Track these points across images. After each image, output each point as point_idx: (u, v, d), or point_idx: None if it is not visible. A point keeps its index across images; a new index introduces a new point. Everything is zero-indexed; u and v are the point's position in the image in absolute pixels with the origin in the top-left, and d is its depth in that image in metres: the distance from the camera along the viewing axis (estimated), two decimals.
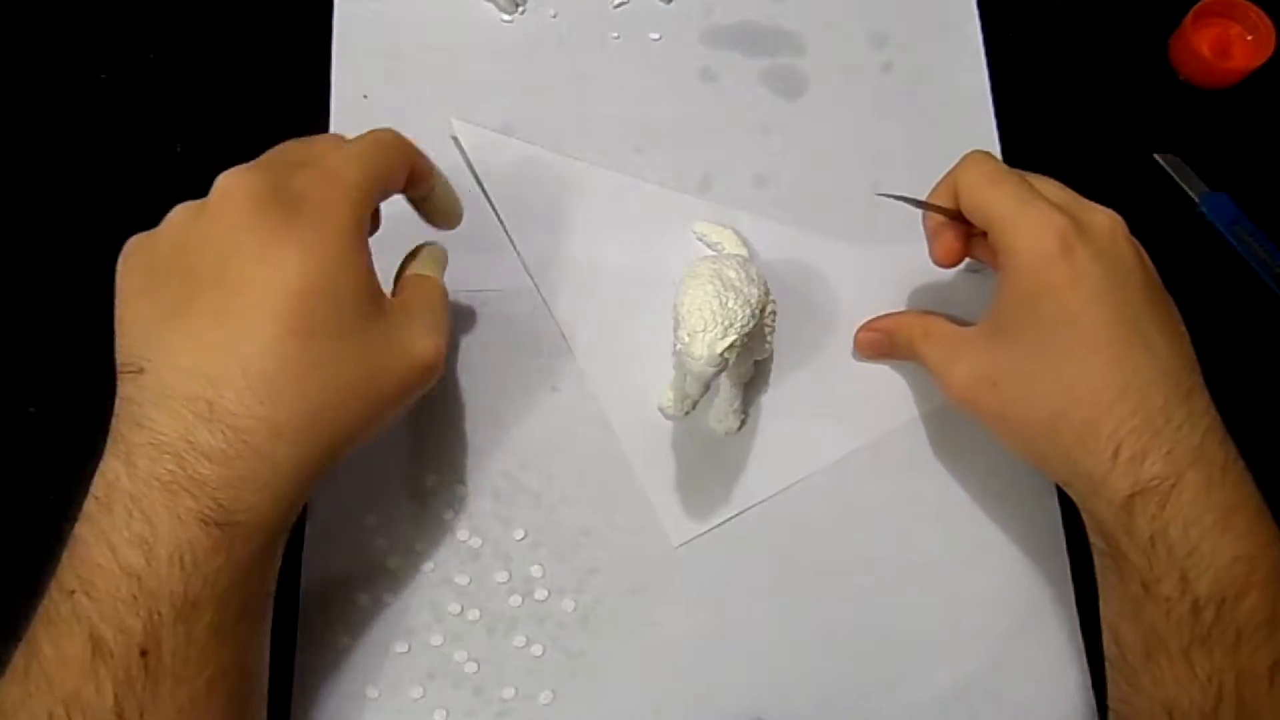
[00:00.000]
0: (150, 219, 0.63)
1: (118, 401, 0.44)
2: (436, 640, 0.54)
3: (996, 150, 0.65)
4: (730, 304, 0.50)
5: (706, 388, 0.51)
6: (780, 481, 0.58)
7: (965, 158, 0.53)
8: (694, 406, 0.57)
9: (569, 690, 0.54)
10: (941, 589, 0.56)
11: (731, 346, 0.50)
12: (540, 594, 0.55)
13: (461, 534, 0.56)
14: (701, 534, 0.57)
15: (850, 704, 0.54)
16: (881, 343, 0.59)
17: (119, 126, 0.65)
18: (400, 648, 0.54)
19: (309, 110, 0.65)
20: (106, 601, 0.40)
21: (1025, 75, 0.67)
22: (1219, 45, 0.67)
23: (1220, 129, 0.66)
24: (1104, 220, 0.50)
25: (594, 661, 0.54)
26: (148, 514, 0.41)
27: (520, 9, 0.68)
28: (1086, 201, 0.51)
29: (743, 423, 0.59)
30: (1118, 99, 0.67)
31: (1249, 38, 0.67)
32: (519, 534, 0.56)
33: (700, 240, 0.62)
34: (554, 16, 0.68)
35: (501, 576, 0.55)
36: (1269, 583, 0.44)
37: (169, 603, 0.40)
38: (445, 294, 0.52)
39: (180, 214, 0.47)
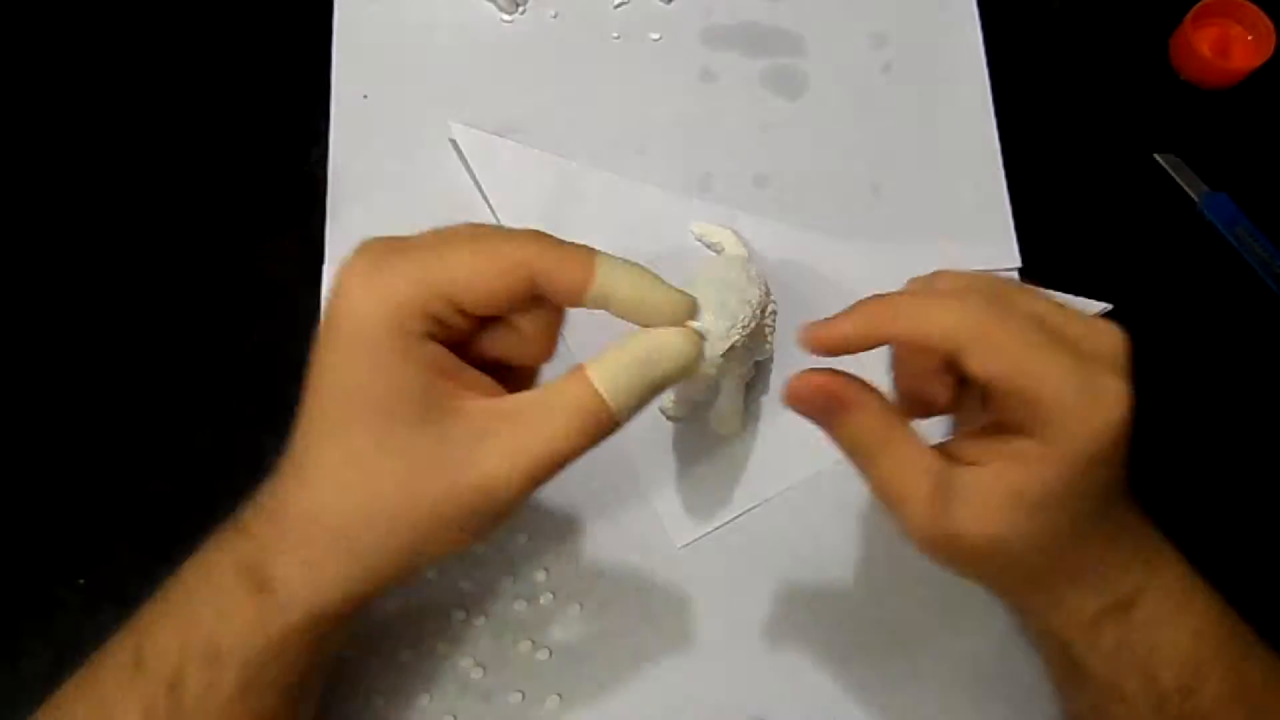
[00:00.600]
0: (150, 219, 0.63)
1: None
2: (442, 647, 0.54)
3: (997, 150, 0.65)
4: (731, 304, 0.50)
5: (708, 389, 0.51)
6: (782, 482, 0.58)
7: (919, 306, 0.41)
8: (695, 408, 0.57)
9: (576, 694, 0.54)
10: (942, 587, 0.56)
11: (733, 348, 0.50)
12: (545, 598, 0.55)
13: None
14: (704, 535, 0.57)
15: (852, 703, 0.55)
16: (821, 409, 0.43)
17: (119, 126, 0.65)
18: (406, 655, 0.54)
19: (309, 110, 0.65)
20: (159, 612, 0.41)
21: (1025, 75, 0.67)
22: (1219, 45, 0.67)
23: (1220, 129, 0.66)
24: (1129, 355, 0.40)
25: (600, 665, 0.54)
26: (220, 544, 0.41)
27: (520, 9, 0.68)
28: (1102, 324, 0.41)
29: (744, 423, 0.59)
30: (1118, 99, 0.67)
31: (1249, 38, 0.67)
32: (523, 539, 0.56)
33: (700, 240, 0.62)
34: (554, 16, 0.68)
35: (506, 581, 0.55)
36: (1226, 650, 0.43)
37: (200, 644, 0.40)
38: (589, 407, 0.39)
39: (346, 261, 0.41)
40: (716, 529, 0.57)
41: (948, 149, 0.66)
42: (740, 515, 0.58)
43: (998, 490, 0.39)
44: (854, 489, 0.57)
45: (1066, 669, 0.45)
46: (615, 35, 0.68)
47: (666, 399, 0.58)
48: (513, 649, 0.54)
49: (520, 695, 0.53)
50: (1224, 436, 0.60)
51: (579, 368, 0.39)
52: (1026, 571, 0.42)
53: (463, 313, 0.38)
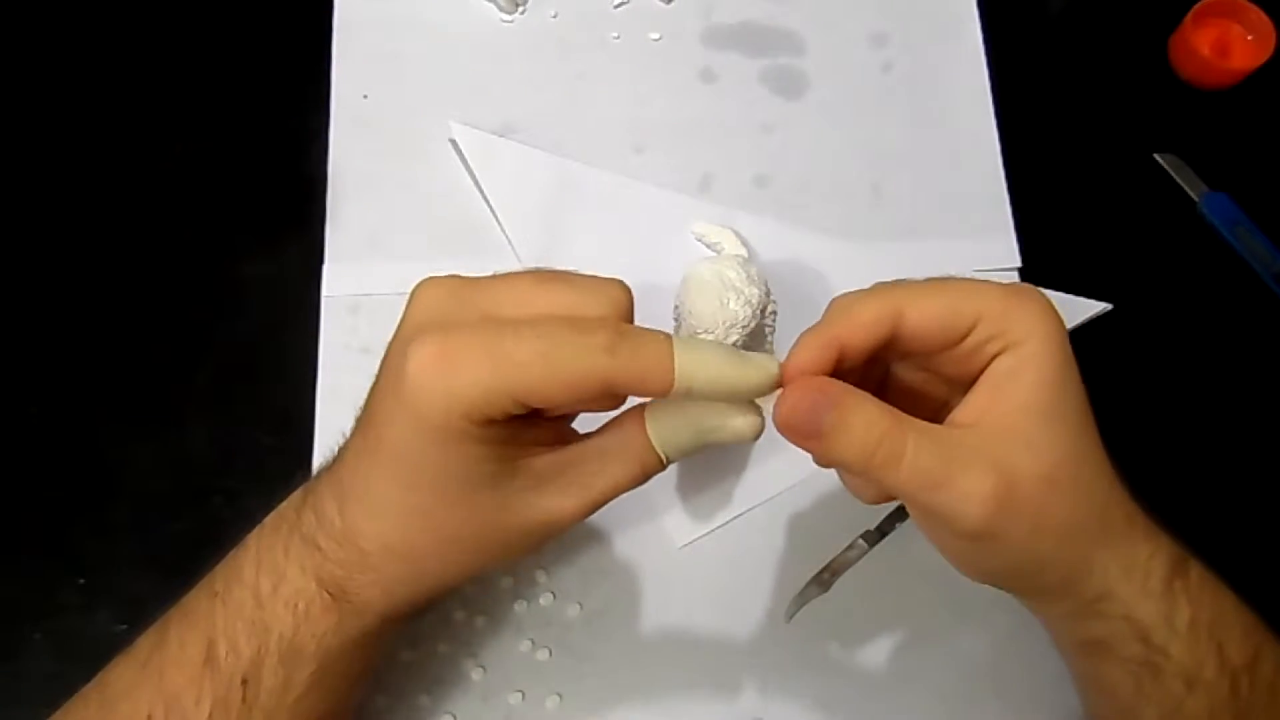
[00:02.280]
0: (150, 219, 0.63)
1: None
2: (443, 647, 0.54)
3: (997, 150, 0.65)
4: (731, 305, 0.50)
5: None
6: (782, 482, 0.58)
7: (840, 304, 0.41)
8: None
9: (576, 694, 0.54)
10: (943, 586, 0.56)
11: (741, 346, 0.50)
12: (545, 598, 0.55)
13: None
14: (704, 535, 0.57)
15: (853, 703, 0.55)
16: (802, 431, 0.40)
17: (119, 126, 0.65)
18: (407, 655, 0.54)
19: (309, 110, 0.65)
20: (232, 614, 0.41)
21: (1025, 75, 0.67)
22: (1219, 45, 0.67)
23: (1220, 129, 0.66)
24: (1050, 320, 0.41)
25: (600, 664, 0.54)
26: (289, 552, 0.42)
27: (520, 9, 0.68)
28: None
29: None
30: (1118, 99, 0.67)
31: (1249, 38, 0.67)
32: None
33: (700, 241, 0.62)
34: (554, 16, 0.68)
35: (506, 582, 0.55)
36: (1261, 622, 0.43)
37: (277, 642, 0.41)
38: (646, 461, 0.41)
39: (417, 286, 0.41)
40: (716, 529, 0.57)
41: (948, 149, 0.66)
42: (740, 515, 0.58)
43: (1008, 415, 0.39)
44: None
45: (1148, 671, 0.42)
46: (615, 35, 0.68)
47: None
48: (512, 649, 0.54)
49: (520, 695, 0.53)
50: (1224, 436, 0.60)
51: (637, 417, 0.41)
52: (1088, 514, 0.40)
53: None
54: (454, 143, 0.63)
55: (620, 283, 0.40)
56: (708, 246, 0.62)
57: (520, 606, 0.55)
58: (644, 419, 0.41)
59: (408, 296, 0.41)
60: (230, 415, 0.59)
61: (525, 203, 0.62)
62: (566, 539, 0.56)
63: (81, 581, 0.56)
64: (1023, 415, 0.39)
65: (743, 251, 0.61)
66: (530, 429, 0.41)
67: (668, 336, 0.38)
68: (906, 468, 0.38)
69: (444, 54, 0.67)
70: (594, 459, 0.41)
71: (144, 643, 0.43)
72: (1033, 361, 0.39)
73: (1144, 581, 0.41)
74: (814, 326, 0.41)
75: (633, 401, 0.41)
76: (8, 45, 0.66)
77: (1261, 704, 0.42)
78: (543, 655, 0.54)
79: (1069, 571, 0.41)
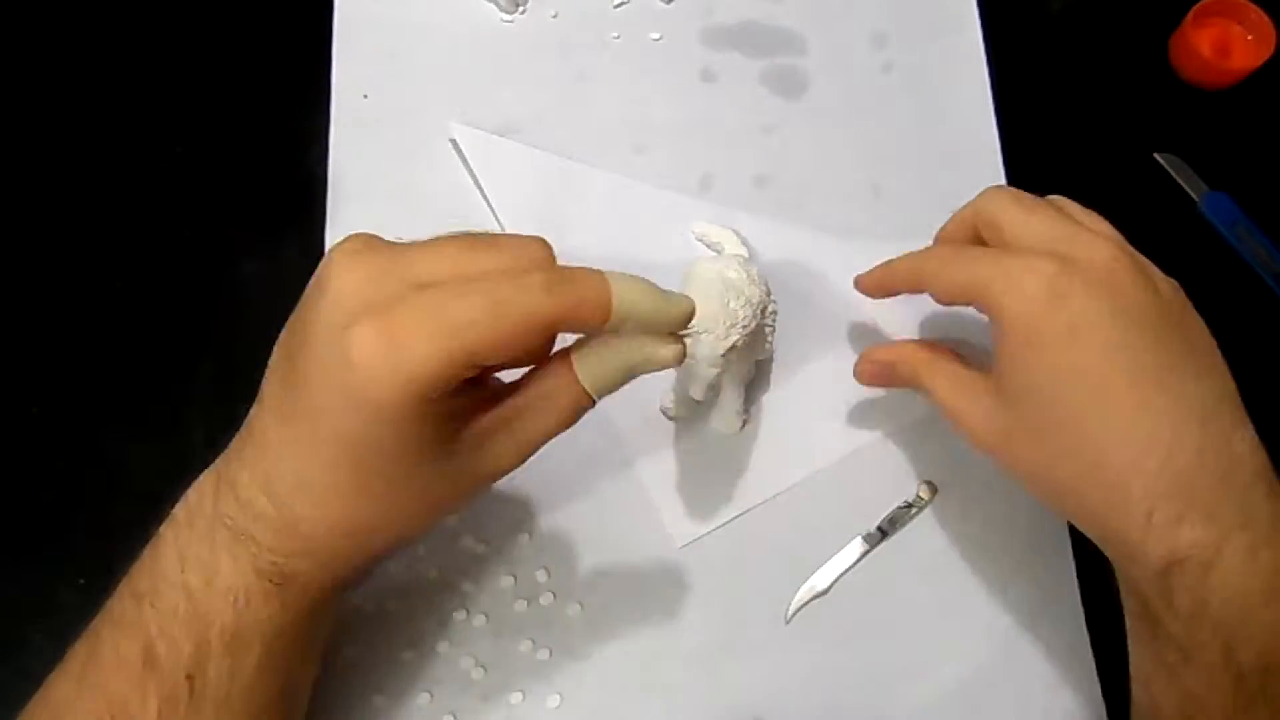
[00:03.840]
0: (150, 219, 0.63)
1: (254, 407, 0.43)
2: (443, 646, 0.54)
3: (997, 150, 0.65)
4: (732, 305, 0.50)
5: (710, 389, 0.51)
6: (783, 481, 0.58)
7: (912, 258, 0.52)
8: (695, 407, 0.57)
9: (576, 694, 0.54)
10: (945, 586, 0.57)
11: (733, 347, 0.50)
12: (546, 598, 0.55)
13: (466, 540, 0.56)
14: (704, 535, 0.57)
15: (853, 704, 0.55)
16: (882, 375, 0.55)
17: (119, 126, 0.65)
18: (407, 654, 0.54)
19: (309, 110, 0.65)
20: (166, 614, 0.41)
21: (1025, 75, 0.67)
22: (1219, 45, 0.67)
23: (1220, 129, 0.66)
24: (1101, 254, 0.45)
25: (601, 665, 0.54)
26: (214, 546, 0.41)
27: (520, 9, 0.68)
28: (1085, 231, 0.46)
29: (745, 423, 0.59)
30: (1118, 99, 0.67)
31: (1249, 38, 0.67)
32: (524, 539, 0.56)
33: (700, 241, 0.62)
34: (554, 16, 0.68)
35: (507, 581, 0.55)
36: None
37: (219, 634, 0.41)
38: (578, 404, 0.43)
39: (331, 263, 0.39)
40: (716, 529, 0.57)
41: (948, 149, 0.66)
42: (740, 515, 0.58)
43: (989, 381, 0.48)
44: (855, 489, 0.58)
45: (1146, 622, 0.44)
46: (615, 35, 0.68)
47: (668, 399, 0.58)
48: (513, 649, 0.54)
49: (520, 695, 0.53)
50: None
51: (564, 362, 0.42)
52: (1048, 474, 0.46)
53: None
54: (454, 143, 0.63)
55: (542, 240, 0.41)
56: (708, 246, 0.62)
57: (520, 606, 0.55)
58: (570, 362, 0.42)
59: (322, 270, 0.39)
60: (230, 415, 0.59)
61: (525, 202, 0.62)
62: (567, 539, 0.56)
63: (81, 581, 0.55)
64: (988, 377, 0.48)
65: (743, 251, 0.61)
66: (469, 393, 0.41)
67: (599, 273, 0.39)
68: (936, 399, 0.51)
69: (444, 54, 0.67)
70: (529, 410, 0.42)
71: (76, 656, 0.42)
72: (1002, 339, 0.46)
73: (1133, 556, 0.43)
74: (879, 267, 0.54)
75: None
76: (8, 45, 0.66)
77: (1275, 707, 0.41)
78: (543, 655, 0.54)
79: (1066, 517, 0.50)
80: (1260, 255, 0.63)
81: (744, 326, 0.50)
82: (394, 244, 0.40)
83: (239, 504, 0.41)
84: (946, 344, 0.54)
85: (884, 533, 0.57)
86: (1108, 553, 0.46)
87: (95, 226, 0.63)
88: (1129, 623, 0.46)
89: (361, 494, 0.40)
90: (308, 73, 0.66)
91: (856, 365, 0.56)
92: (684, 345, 0.43)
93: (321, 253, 0.61)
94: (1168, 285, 0.47)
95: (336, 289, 0.38)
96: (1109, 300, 0.43)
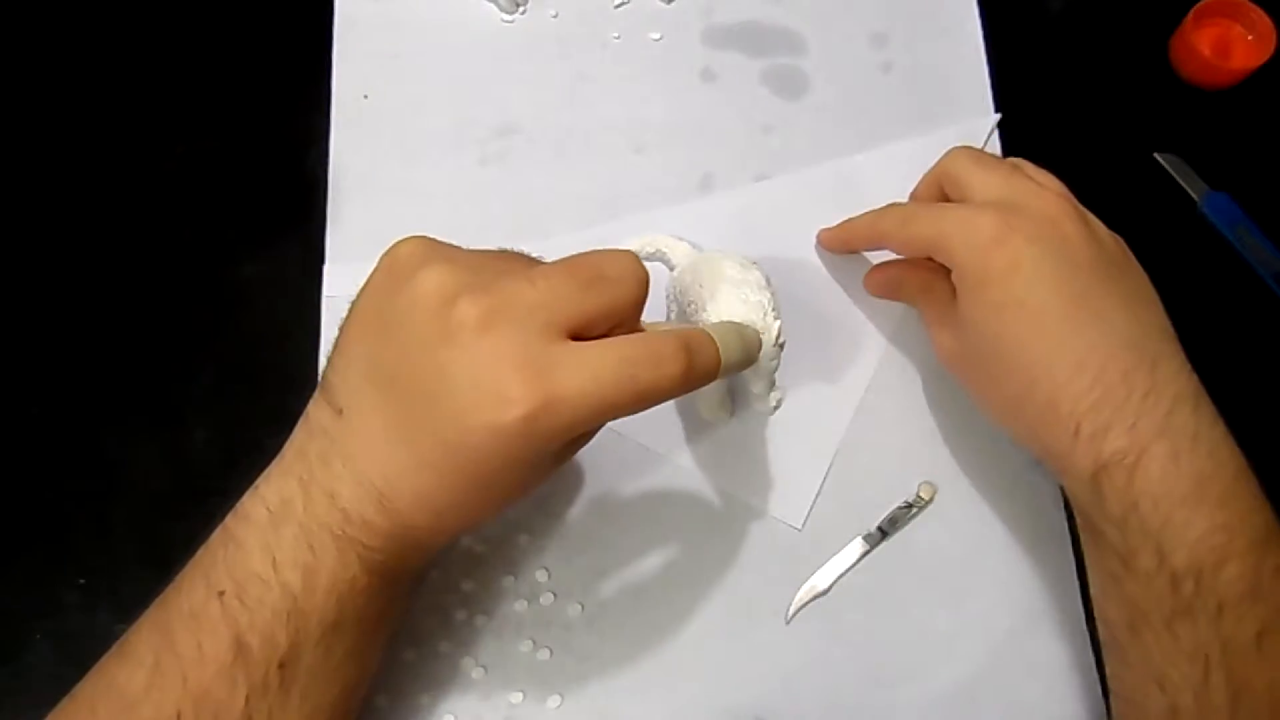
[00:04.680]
0: (151, 219, 0.63)
1: (310, 414, 0.44)
2: (443, 647, 0.54)
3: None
4: (753, 297, 0.50)
5: (772, 381, 0.51)
6: (843, 421, 0.59)
7: (870, 216, 0.57)
8: (729, 405, 0.57)
9: (577, 694, 0.54)
10: (945, 587, 0.57)
11: (781, 329, 0.49)
12: (546, 598, 0.55)
13: (466, 540, 0.56)
14: (812, 505, 0.58)
15: (853, 704, 0.55)
16: (891, 284, 0.59)
17: (119, 126, 0.65)
18: (408, 655, 0.54)
19: (309, 110, 0.65)
20: (259, 611, 0.41)
21: (1025, 75, 0.67)
22: (1219, 45, 0.67)
23: (1220, 129, 0.66)
24: (1043, 203, 0.50)
25: (602, 665, 0.54)
26: (315, 549, 0.42)
27: (520, 9, 0.68)
28: (1033, 186, 0.51)
29: (780, 400, 0.59)
30: (1118, 99, 0.67)
31: (1249, 38, 0.67)
32: (524, 539, 0.56)
33: (646, 261, 0.61)
34: (554, 16, 0.68)
35: (507, 581, 0.55)
36: (1249, 551, 0.44)
37: (318, 625, 0.42)
38: (710, 353, 0.44)
39: (432, 278, 0.41)
40: (816, 495, 0.58)
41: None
42: (828, 473, 0.58)
43: (953, 309, 0.52)
44: (856, 490, 0.58)
45: (1089, 534, 0.49)
46: (615, 35, 0.68)
47: (705, 407, 0.58)
48: (513, 649, 0.54)
49: (520, 695, 0.53)
50: None
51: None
52: (996, 390, 0.51)
53: None
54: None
55: (636, 259, 0.43)
56: (648, 260, 0.60)
57: (521, 606, 0.55)
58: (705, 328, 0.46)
59: (428, 300, 0.40)
60: (230, 415, 0.59)
61: None
62: (567, 537, 0.56)
63: (81, 581, 0.56)
64: (955, 306, 0.52)
65: (694, 250, 0.60)
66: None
67: (709, 336, 0.44)
68: (922, 309, 0.57)
69: (444, 54, 0.67)
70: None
71: (144, 646, 0.42)
72: (957, 281, 0.51)
73: (1066, 468, 0.48)
74: (846, 223, 0.59)
75: None
76: (8, 45, 0.66)
77: (1210, 612, 0.43)
78: (543, 655, 0.54)
79: (1012, 436, 0.53)
80: (1260, 255, 0.63)
81: (775, 309, 0.50)
82: (513, 281, 0.41)
83: (343, 515, 0.42)
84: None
85: (884, 533, 0.57)
86: (1047, 467, 0.52)
87: (96, 227, 0.63)
88: (1082, 541, 0.51)
89: (483, 508, 0.44)
90: (308, 73, 0.66)
91: (868, 274, 0.60)
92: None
93: (321, 252, 0.62)
94: (1109, 236, 0.52)
95: (466, 328, 0.39)
96: (1050, 243, 0.48)
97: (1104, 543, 0.47)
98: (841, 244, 0.61)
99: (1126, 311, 0.48)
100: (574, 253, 0.44)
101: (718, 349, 0.44)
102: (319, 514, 0.42)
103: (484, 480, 0.41)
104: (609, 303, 0.41)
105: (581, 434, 0.43)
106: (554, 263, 0.43)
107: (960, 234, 0.50)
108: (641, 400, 0.40)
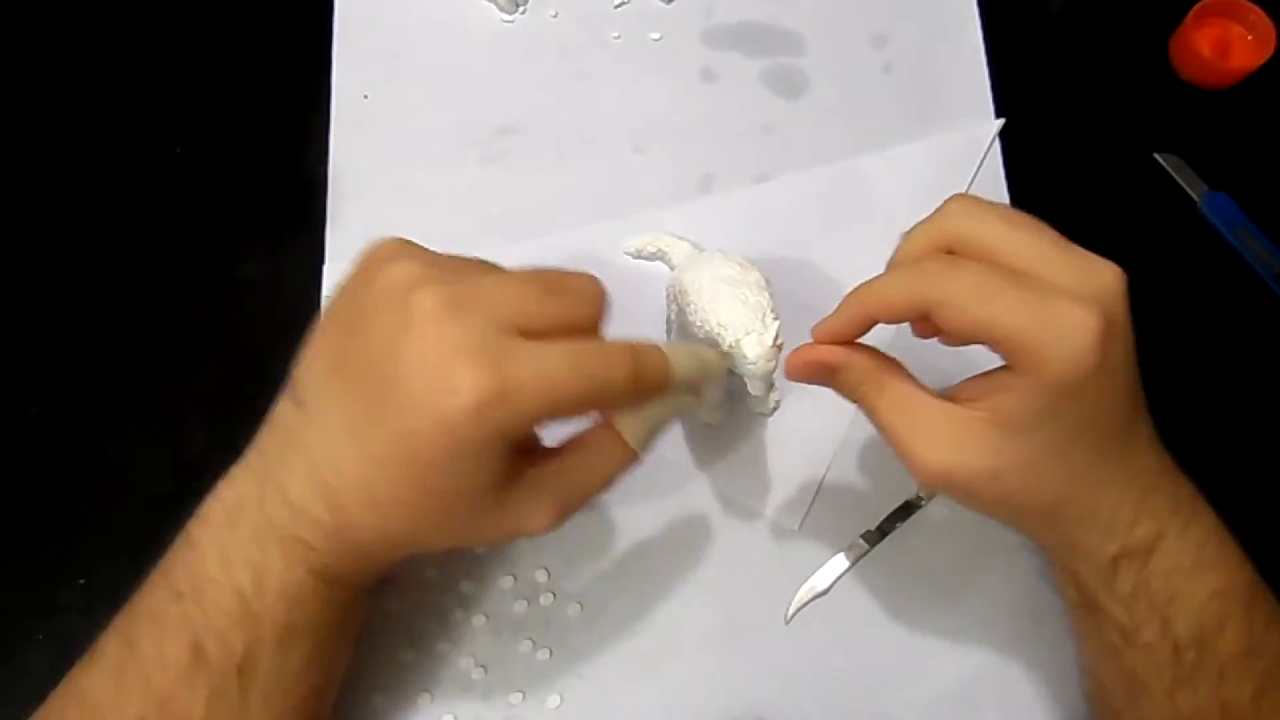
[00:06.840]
0: (150, 219, 0.63)
1: (275, 410, 0.45)
2: (443, 647, 0.54)
3: (998, 151, 0.65)
4: (751, 298, 0.50)
5: (770, 383, 0.51)
6: (840, 424, 0.59)
7: (877, 285, 0.45)
8: (730, 407, 0.57)
9: (576, 694, 0.54)
10: (945, 587, 0.57)
11: (780, 330, 0.49)
12: (546, 598, 0.55)
13: None
14: (809, 508, 0.58)
15: (853, 704, 0.54)
16: (817, 374, 0.47)
17: (119, 126, 0.65)
18: (407, 655, 0.54)
19: (309, 110, 0.65)
20: (214, 613, 0.42)
21: (1025, 75, 0.67)
22: (1219, 45, 0.67)
23: (1220, 129, 0.66)
24: (1111, 284, 0.42)
25: (600, 664, 0.54)
26: (264, 548, 0.42)
27: (520, 9, 0.68)
28: (1086, 255, 0.43)
29: (778, 401, 0.59)
30: (1118, 99, 0.67)
31: (1249, 38, 0.67)
32: (523, 538, 0.56)
33: (640, 258, 0.62)
34: (554, 16, 0.68)
35: (507, 581, 0.55)
36: (1244, 612, 0.44)
37: (271, 629, 0.42)
38: (625, 460, 0.46)
39: (399, 270, 0.41)
40: (813, 498, 0.58)
41: (948, 149, 0.66)
42: (824, 476, 0.58)
43: (981, 422, 0.43)
44: (856, 491, 0.58)
45: (1086, 610, 0.47)
46: (615, 35, 0.68)
47: (708, 413, 0.58)
48: (513, 649, 0.54)
49: (520, 695, 0.53)
50: (1224, 436, 0.60)
51: (608, 429, 0.46)
52: (1030, 507, 0.45)
53: None
54: None
55: (596, 280, 0.43)
56: (650, 260, 0.61)
57: (521, 606, 0.55)
58: (613, 425, 0.46)
59: (392, 291, 0.40)
60: (230, 415, 0.59)
61: None
62: (567, 537, 0.56)
63: (81, 581, 0.56)
64: (983, 419, 0.43)
65: (694, 248, 0.60)
66: (525, 443, 0.45)
67: (658, 348, 0.44)
68: (880, 421, 0.46)
69: (444, 54, 0.67)
70: (579, 470, 0.46)
71: (106, 653, 0.43)
72: (1032, 392, 0.41)
73: (1083, 555, 0.45)
74: (854, 294, 0.45)
75: None
76: (8, 45, 0.66)
77: (1211, 677, 0.44)
78: (543, 655, 0.54)
79: (1019, 530, 0.49)
80: (1260, 255, 0.63)
81: (772, 308, 0.50)
82: (477, 283, 0.41)
83: (291, 510, 0.42)
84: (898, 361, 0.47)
85: (884, 533, 0.57)
86: (1054, 556, 0.49)
87: (96, 227, 0.63)
88: (1071, 615, 0.50)
89: (426, 513, 0.42)
90: (308, 73, 0.66)
91: (791, 356, 0.48)
92: (697, 392, 0.48)
93: (321, 252, 0.62)
94: None
95: (424, 315, 0.39)
96: (1126, 341, 0.42)
97: (1104, 618, 0.46)
98: (855, 324, 0.46)
99: (1143, 396, 0.45)
100: (572, 252, 0.45)
101: (666, 359, 0.44)
102: (270, 511, 0.42)
103: (429, 473, 0.40)
104: (567, 311, 0.41)
105: (526, 450, 0.45)
106: (520, 269, 0.43)
107: (1055, 339, 0.40)
108: (590, 398, 0.41)
